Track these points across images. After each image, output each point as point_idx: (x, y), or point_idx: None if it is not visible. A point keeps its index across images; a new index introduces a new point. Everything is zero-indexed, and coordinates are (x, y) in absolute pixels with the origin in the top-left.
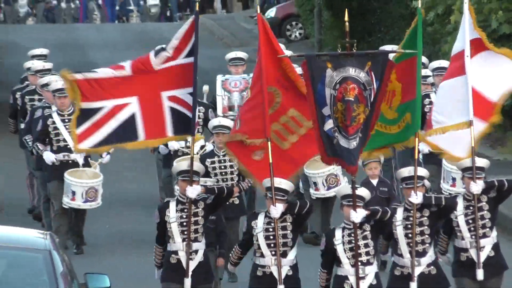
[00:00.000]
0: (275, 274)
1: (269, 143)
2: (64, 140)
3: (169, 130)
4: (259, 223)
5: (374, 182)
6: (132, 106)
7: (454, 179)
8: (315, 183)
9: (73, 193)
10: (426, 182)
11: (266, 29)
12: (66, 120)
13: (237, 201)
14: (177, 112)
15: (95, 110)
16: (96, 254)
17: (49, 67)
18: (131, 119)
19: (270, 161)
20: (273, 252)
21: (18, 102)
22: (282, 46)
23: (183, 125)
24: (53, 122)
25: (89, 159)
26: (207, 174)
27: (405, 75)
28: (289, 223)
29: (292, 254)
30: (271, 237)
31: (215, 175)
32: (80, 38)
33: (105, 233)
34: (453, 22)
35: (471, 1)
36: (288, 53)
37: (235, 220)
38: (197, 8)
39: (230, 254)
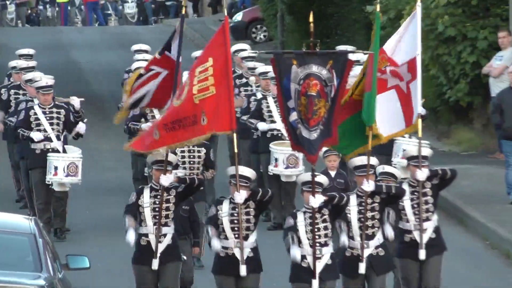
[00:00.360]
0: (238, 255)
1: (234, 135)
2: (45, 130)
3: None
4: (224, 208)
5: (332, 173)
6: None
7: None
8: (276, 159)
9: (55, 168)
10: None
11: (227, 32)
12: (47, 112)
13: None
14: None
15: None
16: (78, 240)
17: (33, 65)
18: None
19: (235, 150)
20: (236, 235)
21: (3, 97)
22: (247, 46)
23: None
24: (35, 113)
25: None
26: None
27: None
28: (251, 209)
29: (253, 237)
30: (235, 221)
31: (183, 163)
32: (64, 40)
33: (85, 220)
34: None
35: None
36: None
37: (195, 203)
38: (183, 11)
39: (208, 234)
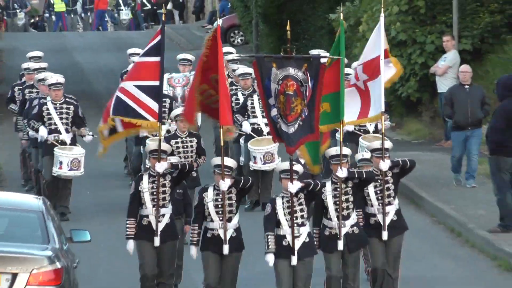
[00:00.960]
0: (222, 236)
1: (221, 129)
2: (55, 124)
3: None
4: (209, 194)
5: (303, 161)
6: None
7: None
8: (254, 157)
9: (60, 163)
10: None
11: (219, 39)
12: (58, 108)
13: (194, 174)
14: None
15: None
16: (80, 220)
17: (44, 66)
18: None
19: (222, 144)
20: (221, 218)
21: (16, 94)
22: (233, 50)
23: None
24: (47, 109)
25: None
26: (171, 153)
27: (330, 72)
28: (234, 195)
29: (235, 219)
30: (219, 205)
31: (178, 153)
32: (67, 43)
33: (85, 201)
34: (361, 31)
35: (375, 14)
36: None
37: (191, 189)
38: (163, 18)
39: (190, 238)
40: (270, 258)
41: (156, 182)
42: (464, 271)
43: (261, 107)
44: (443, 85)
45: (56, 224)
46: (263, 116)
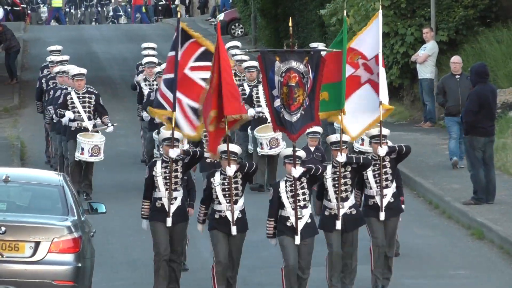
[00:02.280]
0: (229, 217)
1: (225, 119)
2: (78, 112)
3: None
4: (217, 179)
5: (312, 148)
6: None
7: (362, 139)
8: (261, 144)
9: (82, 149)
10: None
11: (220, 36)
12: (81, 97)
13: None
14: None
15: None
16: (101, 199)
17: (67, 59)
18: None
19: (227, 132)
20: (228, 201)
21: (43, 86)
22: (239, 44)
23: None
24: (71, 98)
25: (97, 123)
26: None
27: (330, 64)
28: (239, 179)
29: (241, 201)
30: (226, 189)
31: (188, 142)
32: (85, 35)
33: (106, 183)
34: (348, 24)
35: (361, 9)
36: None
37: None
38: (178, 16)
39: (198, 216)
40: (272, 242)
41: (169, 167)
42: (441, 239)
43: (265, 97)
44: (423, 72)
45: (75, 197)
46: (267, 105)
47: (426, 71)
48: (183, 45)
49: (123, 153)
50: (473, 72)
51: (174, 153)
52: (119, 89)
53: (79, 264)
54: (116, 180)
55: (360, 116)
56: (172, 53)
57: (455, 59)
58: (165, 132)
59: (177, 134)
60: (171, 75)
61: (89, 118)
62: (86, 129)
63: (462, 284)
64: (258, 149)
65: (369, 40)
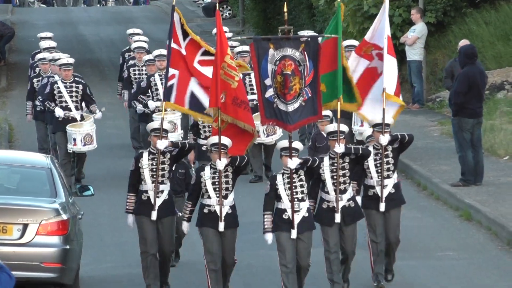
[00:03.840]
0: (218, 212)
1: (218, 111)
2: (66, 102)
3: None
4: (206, 172)
5: (324, 133)
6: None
7: (362, 121)
8: (257, 132)
9: (74, 140)
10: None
11: (220, 24)
12: (68, 87)
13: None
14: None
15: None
16: (90, 181)
17: (54, 45)
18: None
19: (219, 125)
20: (217, 195)
21: (36, 86)
22: (226, 29)
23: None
24: (58, 87)
25: (83, 114)
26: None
27: (325, 53)
28: (230, 173)
29: (231, 197)
30: (216, 183)
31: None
32: (73, 17)
33: (94, 166)
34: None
35: None
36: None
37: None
38: (173, 3)
39: (182, 213)
40: (268, 237)
41: (156, 159)
42: (430, 221)
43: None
44: (411, 54)
45: (62, 180)
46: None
47: (414, 53)
48: (185, 40)
49: (111, 135)
50: (461, 53)
51: (162, 144)
52: (107, 72)
53: (67, 246)
54: (104, 163)
55: (380, 107)
56: (174, 46)
57: (463, 43)
58: (154, 123)
59: (166, 125)
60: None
61: (77, 108)
62: (73, 119)
63: (450, 265)
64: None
65: (379, 29)
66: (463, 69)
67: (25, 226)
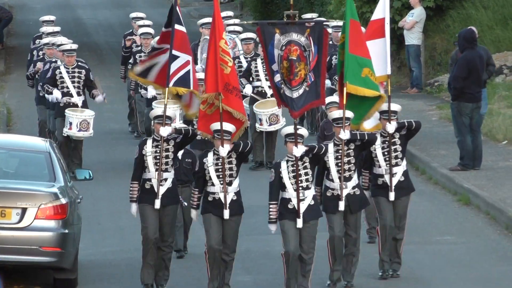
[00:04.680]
0: (223, 199)
1: (220, 96)
2: (67, 87)
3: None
4: (209, 159)
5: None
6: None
7: None
8: (260, 119)
9: (70, 123)
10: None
11: (218, 8)
12: (70, 72)
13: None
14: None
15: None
16: (88, 166)
17: (58, 30)
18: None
19: (221, 110)
20: (221, 182)
21: (35, 58)
22: (231, 13)
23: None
24: (60, 73)
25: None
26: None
27: (355, 36)
28: (234, 159)
29: (236, 183)
30: (220, 169)
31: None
32: (71, 0)
33: (93, 150)
34: None
35: None
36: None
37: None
38: None
39: (191, 201)
40: (273, 227)
41: (159, 146)
42: (428, 205)
43: (264, 71)
44: (410, 38)
45: (61, 164)
46: (266, 79)
47: (413, 37)
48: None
49: (108, 119)
50: (461, 38)
51: (165, 131)
52: (105, 55)
53: (66, 230)
54: (102, 147)
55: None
56: (179, 27)
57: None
58: (157, 109)
59: (170, 112)
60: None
61: (78, 94)
62: (75, 105)
63: (448, 249)
64: (257, 125)
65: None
66: (462, 53)
67: (24, 210)
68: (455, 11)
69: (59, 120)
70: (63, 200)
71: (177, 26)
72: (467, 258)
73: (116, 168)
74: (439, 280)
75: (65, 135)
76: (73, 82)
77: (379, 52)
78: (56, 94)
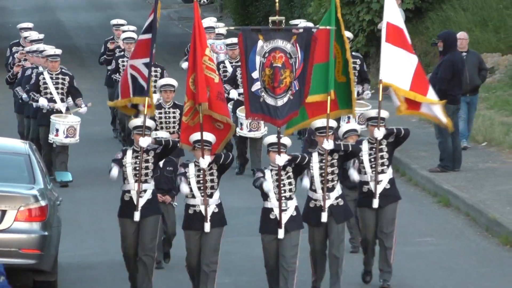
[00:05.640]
0: (204, 212)
1: (200, 107)
2: (51, 93)
3: (131, 92)
4: (191, 170)
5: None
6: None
7: (349, 117)
8: (241, 124)
9: (57, 130)
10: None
11: (198, 15)
12: (54, 78)
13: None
14: (134, 78)
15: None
16: (79, 184)
17: (41, 37)
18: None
19: (201, 121)
20: (202, 194)
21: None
22: (214, 19)
23: (140, 89)
24: (44, 78)
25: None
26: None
27: (320, 42)
28: (215, 170)
29: (216, 195)
30: (201, 181)
31: (161, 123)
32: (50, 2)
33: (73, 151)
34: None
35: None
36: (222, 29)
37: (176, 158)
38: None
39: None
40: (270, 186)
41: (139, 157)
42: (408, 206)
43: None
44: None
45: (41, 166)
46: (243, 90)
47: None
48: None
49: (88, 121)
50: (443, 41)
51: (145, 142)
52: (85, 58)
53: (46, 233)
54: (83, 149)
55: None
56: (147, 36)
57: (462, 35)
58: (136, 120)
59: (149, 122)
60: (145, 60)
61: (62, 100)
62: (58, 112)
63: (428, 251)
64: (237, 129)
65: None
66: (445, 56)
67: (3, 212)
68: (434, 13)
69: (43, 128)
70: (43, 202)
71: (141, 36)
72: (447, 260)
73: (97, 171)
74: (419, 282)
75: (51, 141)
76: (56, 88)
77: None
78: (42, 102)
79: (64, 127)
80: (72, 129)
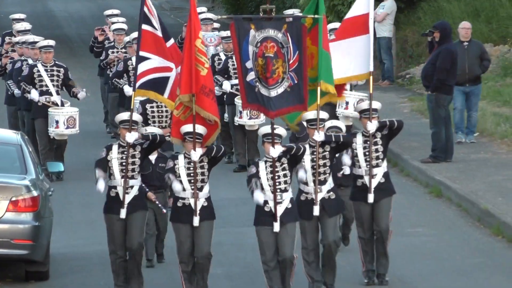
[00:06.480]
0: (193, 206)
1: (193, 98)
2: (46, 86)
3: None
4: (180, 163)
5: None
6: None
7: (347, 103)
8: (240, 112)
9: (57, 122)
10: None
11: (194, 10)
12: (49, 70)
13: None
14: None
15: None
16: (70, 174)
17: (29, 28)
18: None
19: (194, 113)
20: (193, 187)
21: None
22: (204, 9)
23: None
24: (38, 70)
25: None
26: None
27: (316, 38)
28: (206, 163)
29: (206, 188)
30: (191, 174)
31: (153, 117)
32: None
33: (66, 153)
34: None
35: None
36: (213, 16)
37: (165, 151)
38: None
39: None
40: (260, 196)
41: (125, 152)
42: (400, 197)
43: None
44: (381, 30)
45: (33, 157)
46: (238, 80)
47: (384, 30)
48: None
49: (82, 112)
50: (440, 31)
51: (131, 137)
52: (76, 48)
53: (38, 223)
54: (74, 140)
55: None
56: (147, 27)
57: (466, 25)
58: (122, 114)
59: (136, 116)
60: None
61: (57, 93)
62: (54, 104)
63: (420, 241)
64: (236, 118)
65: (357, 3)
66: (442, 46)
67: None
68: (427, 3)
69: (40, 121)
70: (35, 193)
71: (144, 26)
72: (438, 250)
73: (88, 161)
74: (411, 272)
75: (52, 134)
76: (52, 80)
77: (362, 49)
78: (34, 95)
79: (64, 118)
80: (72, 119)
